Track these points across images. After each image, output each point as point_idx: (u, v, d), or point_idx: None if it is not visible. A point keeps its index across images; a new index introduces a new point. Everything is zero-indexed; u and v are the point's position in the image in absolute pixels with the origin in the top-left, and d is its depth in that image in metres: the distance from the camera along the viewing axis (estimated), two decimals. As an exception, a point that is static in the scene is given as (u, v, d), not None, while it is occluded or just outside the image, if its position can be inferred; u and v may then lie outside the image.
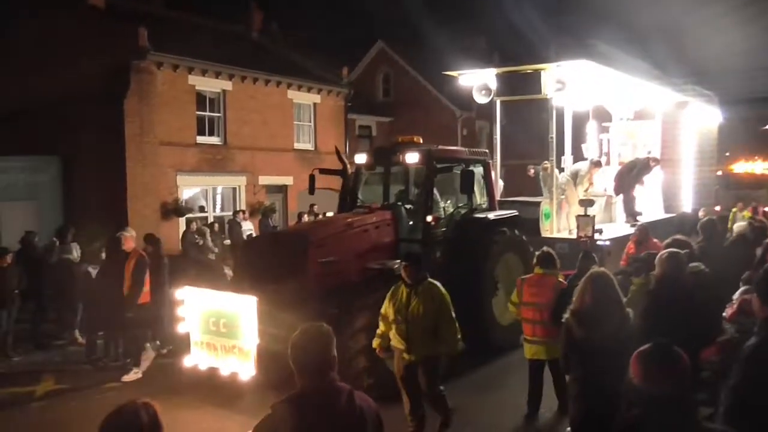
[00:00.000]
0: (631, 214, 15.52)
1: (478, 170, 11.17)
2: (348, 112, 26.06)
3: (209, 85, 20.30)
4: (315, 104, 24.25)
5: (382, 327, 7.11)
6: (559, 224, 13.60)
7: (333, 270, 8.76)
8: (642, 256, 7.45)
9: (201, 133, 20.18)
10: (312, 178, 10.94)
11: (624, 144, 18.50)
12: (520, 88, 13.39)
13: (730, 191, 30.43)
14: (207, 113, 20.42)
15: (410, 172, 10.88)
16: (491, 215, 10.70)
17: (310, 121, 24.20)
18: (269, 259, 8.66)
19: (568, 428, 5.44)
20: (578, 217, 12.59)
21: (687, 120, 18.88)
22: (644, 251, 11.14)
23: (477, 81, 13.78)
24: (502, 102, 14.33)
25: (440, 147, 10.39)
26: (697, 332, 4.34)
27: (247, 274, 8.65)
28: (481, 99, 13.90)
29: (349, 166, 10.63)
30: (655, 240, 11.64)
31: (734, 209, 20.49)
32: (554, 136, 13.40)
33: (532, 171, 15.71)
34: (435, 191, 10.93)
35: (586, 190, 13.97)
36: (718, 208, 21.44)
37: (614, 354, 4.32)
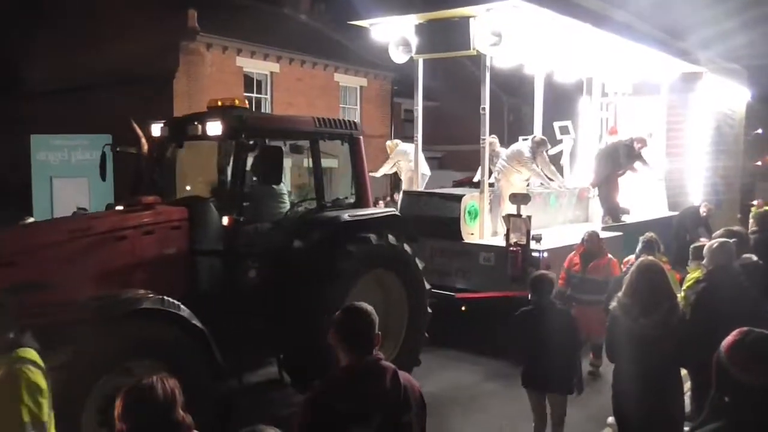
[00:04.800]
0: (611, 213, 11.40)
1: (343, 149, 7.44)
2: (394, 95, 24.91)
3: (257, 66, 19.53)
4: (361, 87, 23.18)
5: None
6: (494, 226, 9.66)
7: (36, 303, 5.20)
8: (697, 245, 6.70)
9: (248, 114, 18.98)
10: (103, 157, 7.37)
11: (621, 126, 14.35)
12: (446, 41, 9.45)
13: (770, 184, 25.60)
14: (254, 95, 19.53)
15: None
16: (347, 215, 6.95)
17: (356, 105, 23.16)
18: None
19: (610, 417, 5.40)
20: (507, 217, 8.66)
21: (700, 96, 14.52)
22: (595, 267, 7.81)
23: (394, 34, 9.94)
24: (426, 61, 10.48)
25: (262, 114, 6.68)
26: (744, 324, 3.04)
27: None
28: (399, 57, 10.00)
29: (144, 141, 7.04)
30: (610, 255, 7.83)
31: (755, 207, 15.99)
32: (487, 107, 9.43)
33: None
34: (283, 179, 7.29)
35: (527, 180, 9.92)
36: (755, 202, 17.05)
37: (661, 343, 4.32)
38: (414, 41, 9.64)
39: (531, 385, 5.65)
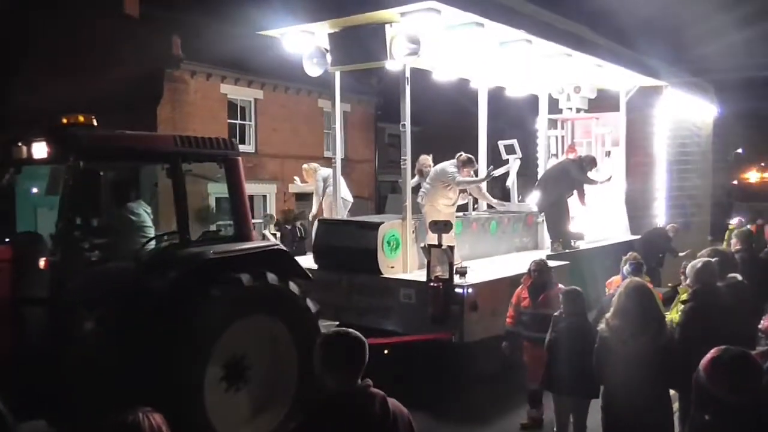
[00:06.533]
0: (559, 238, 10.24)
1: (218, 173, 6.29)
2: (378, 120, 24.57)
3: (241, 93, 19.23)
4: (345, 113, 21.87)
5: None
6: (421, 258, 8.45)
7: None
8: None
9: (232, 141, 18.62)
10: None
11: (579, 144, 13.29)
12: (362, 51, 8.33)
13: (746, 203, 24.53)
14: (238, 121, 19.35)
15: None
16: (212, 251, 5.76)
17: (341, 130, 21.28)
18: None
19: None
20: (427, 248, 7.49)
21: (662, 112, 13.49)
22: (545, 300, 6.67)
23: (307, 45, 8.84)
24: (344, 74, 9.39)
25: (105, 132, 5.50)
26: (731, 344, 3.14)
27: None
28: (313, 70, 8.93)
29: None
30: (561, 285, 6.77)
31: (731, 226, 14.91)
32: (408, 123, 8.30)
33: None
34: (140, 208, 6.12)
35: (453, 204, 8.71)
36: (735, 221, 15.96)
37: (650, 364, 4.24)
38: (329, 52, 8.55)
39: (558, 391, 5.80)
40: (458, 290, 7.21)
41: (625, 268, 7.15)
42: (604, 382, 4.65)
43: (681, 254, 10.74)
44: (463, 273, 7.40)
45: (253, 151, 19.64)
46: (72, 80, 17.02)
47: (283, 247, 6.27)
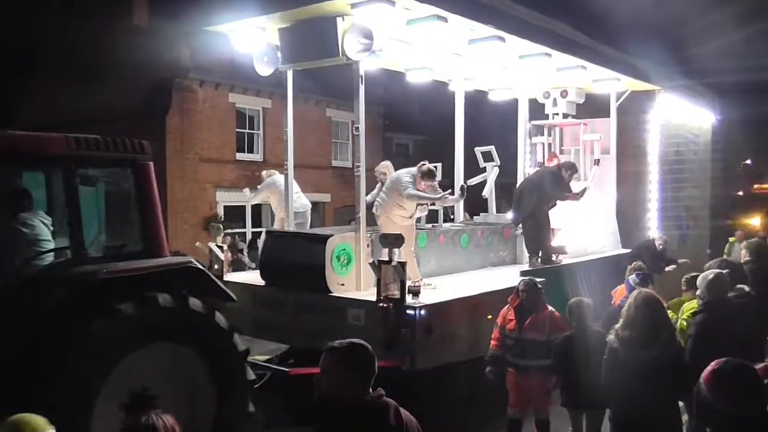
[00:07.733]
0: (537, 252, 9.36)
1: (126, 179, 5.51)
2: (385, 130, 24.46)
3: (249, 102, 19.14)
4: (353, 122, 20.84)
5: None
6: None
7: None
8: (691, 275, 6.15)
9: (240, 149, 19.07)
10: None
11: (567, 152, 12.45)
12: (314, 48, 7.53)
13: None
14: (246, 130, 19.31)
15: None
16: (105, 269, 4.88)
17: (349, 139, 22.33)
18: None
19: None
20: (377, 265, 6.65)
21: (654, 118, 12.58)
22: (533, 324, 6.06)
23: (258, 42, 8.06)
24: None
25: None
26: (742, 355, 3.15)
27: None
28: (263, 69, 8.17)
29: None
30: (550, 308, 6.23)
31: (732, 239, 14.04)
32: (362, 126, 7.50)
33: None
34: (36, 219, 5.33)
35: (411, 216, 7.85)
36: (738, 233, 15.08)
37: (660, 375, 4.21)
38: (280, 50, 7.78)
39: (572, 405, 5.72)
40: (410, 312, 6.36)
41: (632, 278, 6.88)
42: (612, 392, 4.58)
43: (668, 269, 9.83)
44: (416, 293, 6.55)
45: (261, 159, 19.34)
46: (80, 90, 16.84)
47: (197, 263, 5.41)
